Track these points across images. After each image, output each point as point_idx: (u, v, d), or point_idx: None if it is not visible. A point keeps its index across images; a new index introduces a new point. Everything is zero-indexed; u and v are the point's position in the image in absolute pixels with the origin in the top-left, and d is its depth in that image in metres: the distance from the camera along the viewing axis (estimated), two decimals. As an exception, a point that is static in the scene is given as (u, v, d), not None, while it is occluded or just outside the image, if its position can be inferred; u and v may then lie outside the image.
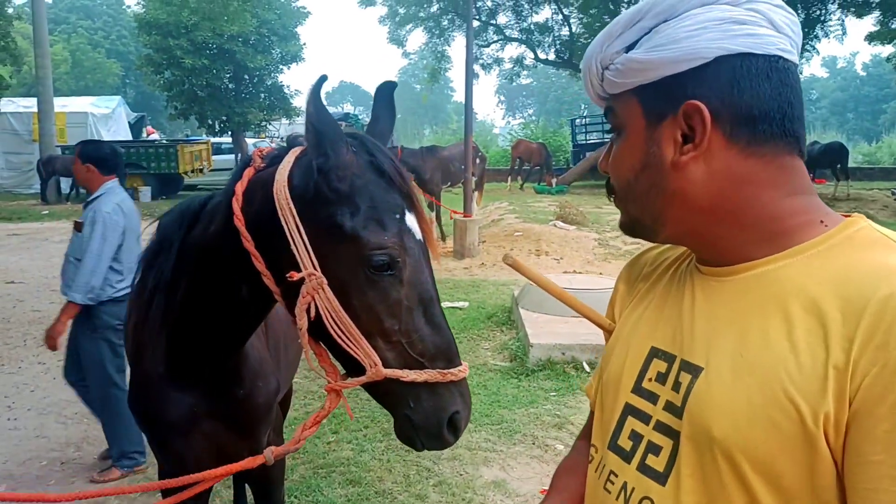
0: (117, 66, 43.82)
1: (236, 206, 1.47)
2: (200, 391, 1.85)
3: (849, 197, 17.06)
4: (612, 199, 0.96)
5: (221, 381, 1.86)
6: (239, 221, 1.45)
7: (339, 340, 1.33)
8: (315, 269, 1.33)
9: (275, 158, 1.48)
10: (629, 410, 0.92)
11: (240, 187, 1.49)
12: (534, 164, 21.31)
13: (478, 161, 11.98)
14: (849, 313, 0.71)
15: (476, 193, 11.57)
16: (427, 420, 1.33)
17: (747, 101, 0.80)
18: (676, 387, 0.85)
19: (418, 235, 1.40)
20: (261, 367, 1.97)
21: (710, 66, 0.80)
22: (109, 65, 43.55)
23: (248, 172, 1.51)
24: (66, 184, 18.26)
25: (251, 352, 1.91)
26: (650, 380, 0.90)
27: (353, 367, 1.36)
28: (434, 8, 23.68)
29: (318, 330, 1.36)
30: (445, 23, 24.01)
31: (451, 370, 1.34)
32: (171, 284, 1.71)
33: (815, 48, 20.18)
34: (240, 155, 22.02)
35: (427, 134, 52.50)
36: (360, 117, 32.24)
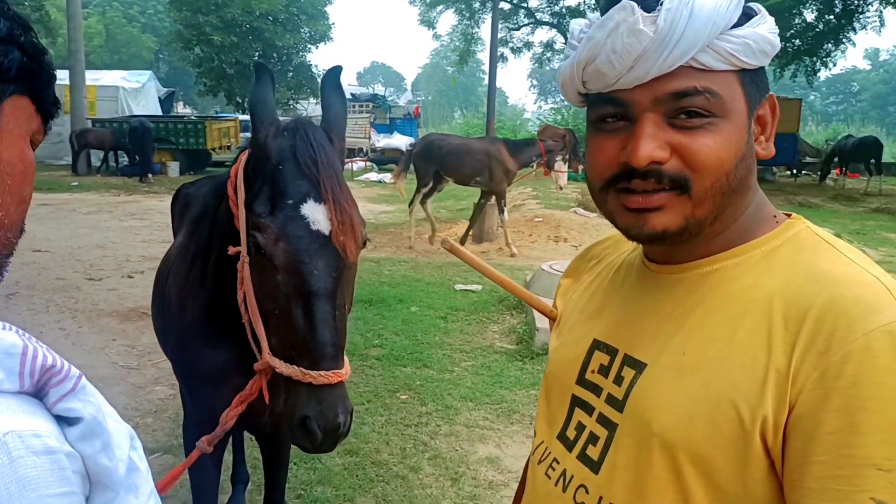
0: (151, 40, 44.33)
1: (230, 188, 1.55)
2: (232, 349, 1.92)
3: (881, 192, 16.42)
4: (665, 195, 0.79)
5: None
6: (232, 203, 1.54)
7: (252, 318, 1.42)
8: (243, 246, 1.43)
9: None
10: (576, 402, 0.93)
11: (234, 170, 1.58)
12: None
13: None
14: (791, 317, 0.73)
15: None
16: (283, 415, 1.36)
17: None
18: (619, 380, 0.86)
19: (315, 225, 1.36)
20: None
21: None
22: (143, 39, 44.09)
23: (243, 155, 1.59)
24: (95, 156, 18.60)
25: None
26: (593, 371, 0.91)
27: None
28: (465, -11, 23.59)
29: None
30: (477, 4, 23.83)
31: (311, 372, 1.31)
32: (206, 249, 1.83)
33: (851, 40, 19.67)
34: None
35: (457, 117, 52.37)
36: (388, 98, 32.16)
